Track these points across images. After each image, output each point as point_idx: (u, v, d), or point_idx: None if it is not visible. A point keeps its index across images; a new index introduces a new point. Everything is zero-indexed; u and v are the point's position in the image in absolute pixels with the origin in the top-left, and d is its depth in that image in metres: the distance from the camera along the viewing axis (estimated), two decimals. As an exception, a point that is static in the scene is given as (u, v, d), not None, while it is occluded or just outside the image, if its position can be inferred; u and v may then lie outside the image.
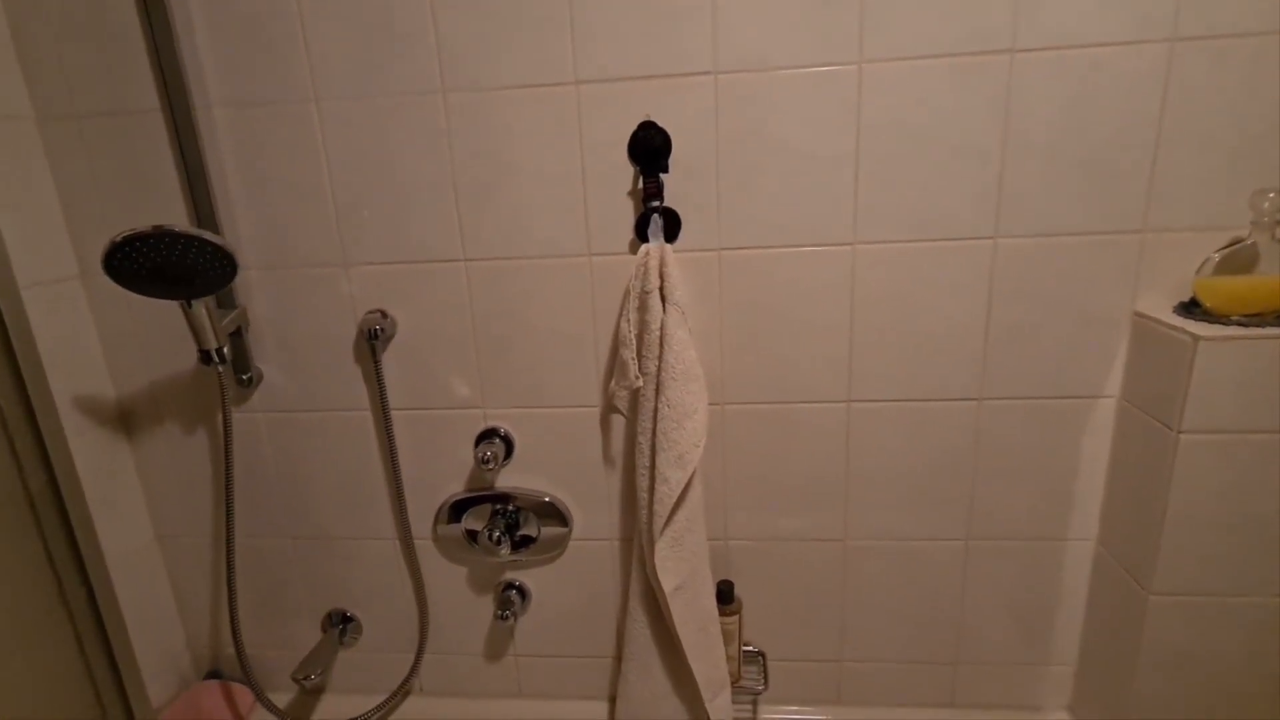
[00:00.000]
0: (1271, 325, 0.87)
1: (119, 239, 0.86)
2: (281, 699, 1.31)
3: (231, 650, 1.21)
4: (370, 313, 1.11)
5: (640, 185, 1.01)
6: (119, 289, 0.93)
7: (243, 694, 1.31)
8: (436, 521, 1.21)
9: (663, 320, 0.99)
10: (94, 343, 1.16)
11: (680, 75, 0.96)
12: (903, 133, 0.96)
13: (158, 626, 1.28)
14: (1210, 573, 0.95)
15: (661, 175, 1.00)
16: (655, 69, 0.96)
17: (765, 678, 1.21)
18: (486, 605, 1.26)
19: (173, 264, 0.90)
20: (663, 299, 0.99)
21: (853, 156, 0.97)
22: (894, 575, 1.16)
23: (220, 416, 1.16)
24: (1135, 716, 1.02)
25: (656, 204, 1.00)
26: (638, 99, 0.98)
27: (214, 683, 1.32)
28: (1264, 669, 0.98)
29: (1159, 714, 1.02)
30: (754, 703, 1.24)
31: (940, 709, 1.22)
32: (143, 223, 0.87)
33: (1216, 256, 0.94)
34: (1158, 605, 0.97)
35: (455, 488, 1.19)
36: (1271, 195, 0.89)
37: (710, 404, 1.07)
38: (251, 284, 1.11)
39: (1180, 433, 0.89)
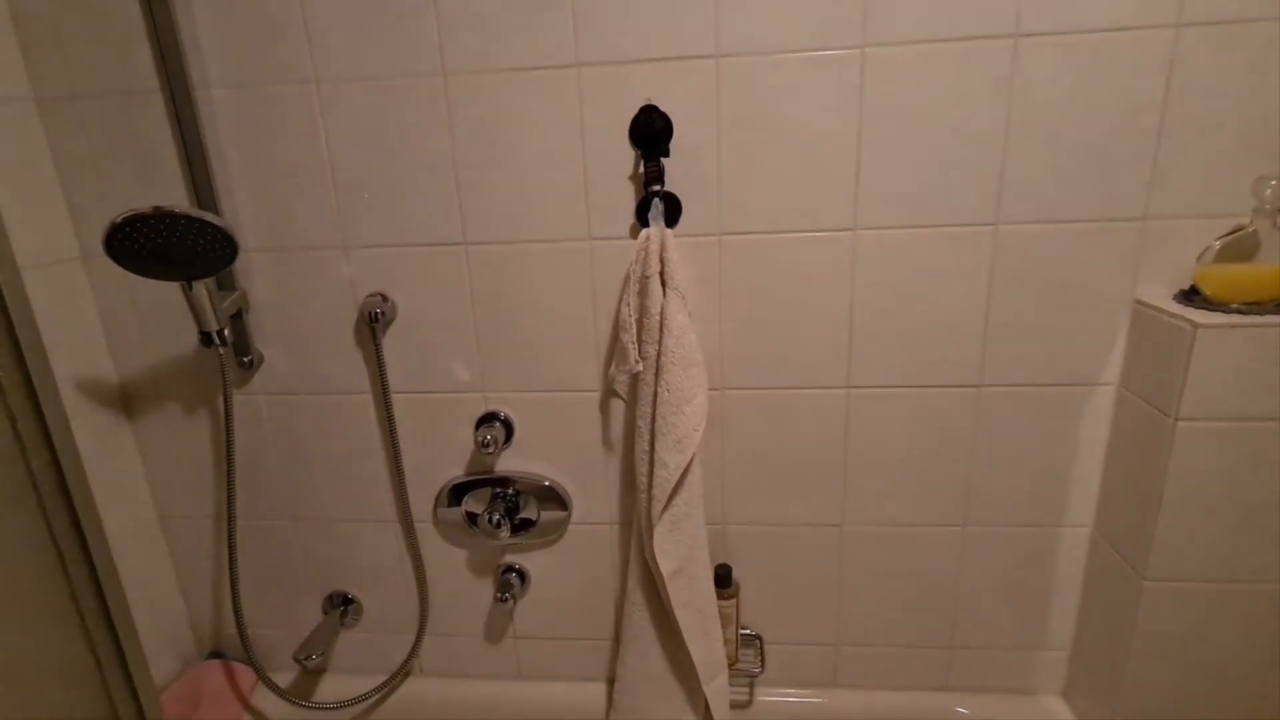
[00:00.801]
0: (1271, 313, 0.87)
1: (119, 220, 0.86)
2: (283, 679, 1.32)
3: (233, 630, 1.22)
4: (371, 296, 1.11)
5: (641, 169, 1.00)
6: (120, 270, 0.93)
7: (244, 673, 1.33)
8: (437, 504, 1.21)
9: (663, 305, 0.99)
10: (95, 324, 1.16)
11: (682, 58, 0.96)
12: (905, 118, 0.95)
13: (160, 606, 1.30)
14: (1206, 559, 0.95)
15: (662, 159, 0.99)
16: (657, 52, 0.96)
17: (762, 660, 1.22)
18: (486, 588, 1.26)
19: (173, 245, 0.90)
20: (663, 284, 0.99)
21: (854, 141, 0.97)
22: (891, 560, 1.17)
23: (221, 398, 1.16)
24: (1128, 701, 1.03)
25: (657, 188, 0.99)
26: (639, 82, 0.97)
27: (216, 662, 1.34)
28: (1258, 655, 0.99)
29: (1152, 699, 1.03)
30: (751, 685, 1.25)
31: (935, 693, 1.23)
32: (143, 204, 0.87)
33: (1217, 244, 0.94)
34: (1152, 591, 0.97)
35: (455, 471, 1.20)
36: (1274, 183, 0.89)
37: (710, 389, 1.07)
38: (252, 266, 1.11)
39: (1178, 420, 0.90)
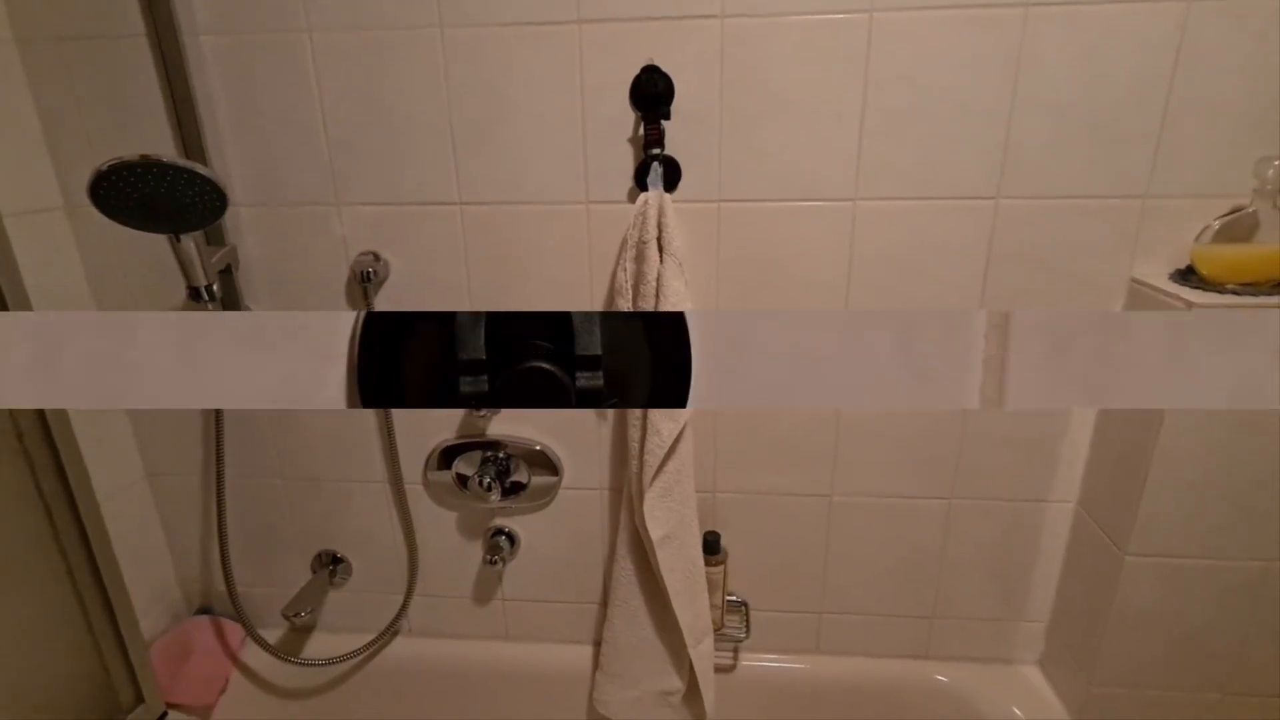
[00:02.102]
0: (1266, 295, 0.87)
1: (105, 167, 0.84)
2: (271, 635, 1.32)
3: (222, 587, 1.23)
4: (363, 254, 1.09)
5: (641, 131, 0.98)
6: (105, 221, 0.90)
7: (233, 629, 1.33)
8: (427, 466, 1.21)
9: (659, 271, 0.98)
10: (79, 276, 1.14)
11: (685, 18, 0.94)
12: (910, 86, 0.94)
13: (149, 562, 1.29)
14: (1186, 536, 0.97)
15: (663, 122, 0.97)
16: (660, 10, 0.93)
17: (747, 626, 1.23)
18: (475, 550, 1.27)
19: (161, 196, 0.88)
20: (660, 249, 0.98)
21: (858, 109, 0.95)
22: (877, 531, 1.18)
23: (209, 356, 1.14)
24: (1102, 672, 1.06)
25: (657, 151, 0.98)
26: (641, 41, 0.95)
27: (205, 618, 1.34)
28: (1231, 631, 1.01)
29: (1125, 671, 1.06)
30: (735, 649, 1.27)
31: (915, 661, 1.26)
32: (129, 153, 0.85)
33: (1216, 224, 0.94)
34: (1132, 566, 0.99)
35: (446, 434, 1.19)
36: (1276, 163, 0.89)
37: (704, 357, 1.07)
38: (241, 221, 1.09)
39: (1168, 398, 0.90)
